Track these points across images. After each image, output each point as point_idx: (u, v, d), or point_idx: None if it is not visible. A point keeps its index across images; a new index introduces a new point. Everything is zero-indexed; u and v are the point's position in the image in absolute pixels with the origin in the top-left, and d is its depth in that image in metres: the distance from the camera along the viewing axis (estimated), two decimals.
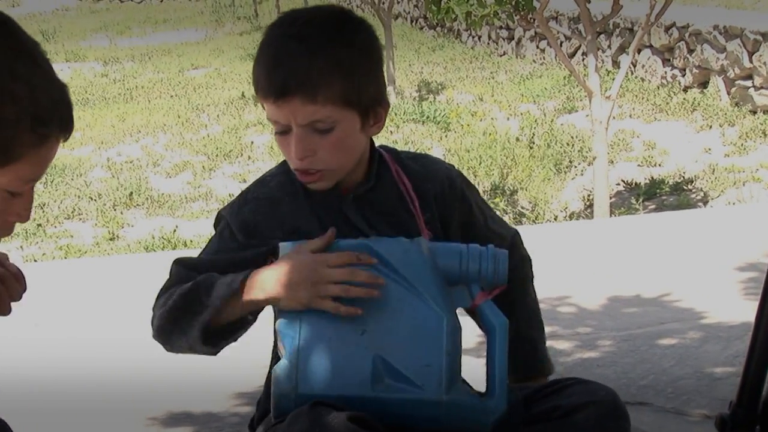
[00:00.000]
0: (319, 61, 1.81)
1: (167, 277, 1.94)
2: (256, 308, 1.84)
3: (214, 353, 1.89)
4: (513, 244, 2.15)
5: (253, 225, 1.93)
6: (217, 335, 1.84)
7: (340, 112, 1.83)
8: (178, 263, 1.96)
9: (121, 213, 9.21)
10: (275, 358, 1.92)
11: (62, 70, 17.31)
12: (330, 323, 1.83)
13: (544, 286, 4.16)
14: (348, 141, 1.87)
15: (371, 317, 1.83)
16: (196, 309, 1.83)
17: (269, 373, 1.92)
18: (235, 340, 1.88)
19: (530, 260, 2.24)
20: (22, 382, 3.37)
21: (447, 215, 2.02)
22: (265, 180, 2.00)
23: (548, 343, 3.41)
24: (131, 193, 9.63)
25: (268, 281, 1.79)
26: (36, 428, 2.97)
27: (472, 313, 1.91)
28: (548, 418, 1.88)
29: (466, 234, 2.02)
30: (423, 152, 2.16)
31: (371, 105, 1.88)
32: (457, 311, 1.88)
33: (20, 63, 1.47)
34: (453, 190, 2.04)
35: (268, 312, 1.87)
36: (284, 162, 1.95)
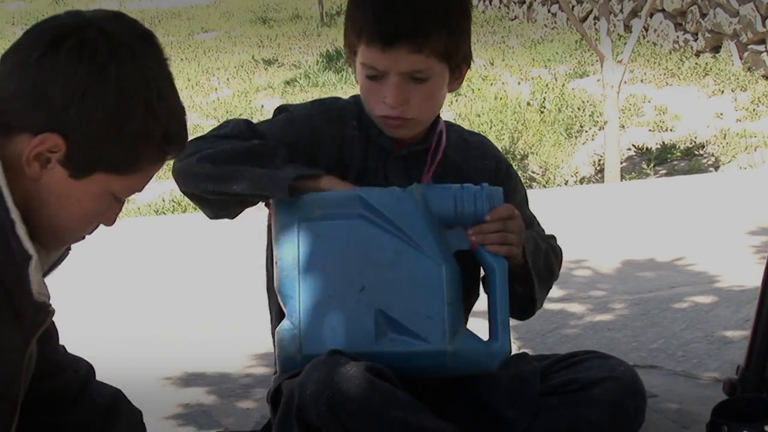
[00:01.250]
0: (431, 13, 1.84)
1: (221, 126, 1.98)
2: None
3: (234, 215, 1.96)
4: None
5: (310, 135, 1.95)
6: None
7: (438, 65, 1.88)
8: (243, 120, 1.98)
9: None
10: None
11: None
12: (329, 282, 1.83)
13: None
14: (438, 93, 1.92)
15: (370, 272, 1.83)
16: (263, 163, 1.86)
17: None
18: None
19: (560, 253, 2.16)
20: None
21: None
22: (338, 103, 2.01)
23: (560, 306, 3.44)
24: None
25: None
26: None
27: (471, 254, 1.90)
28: (565, 391, 1.88)
29: None
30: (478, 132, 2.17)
31: (461, 61, 1.93)
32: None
33: (165, 83, 1.59)
34: (502, 171, 2.06)
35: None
36: (357, 98, 1.96)
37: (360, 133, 1.96)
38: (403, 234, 1.84)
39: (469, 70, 2.00)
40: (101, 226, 1.69)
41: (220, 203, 1.93)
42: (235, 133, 1.93)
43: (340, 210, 1.87)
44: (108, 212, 1.65)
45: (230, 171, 1.86)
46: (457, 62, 1.92)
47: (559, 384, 1.89)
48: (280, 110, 2.02)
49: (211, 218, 2.00)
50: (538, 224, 2.13)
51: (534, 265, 1.96)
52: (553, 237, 2.15)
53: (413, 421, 1.73)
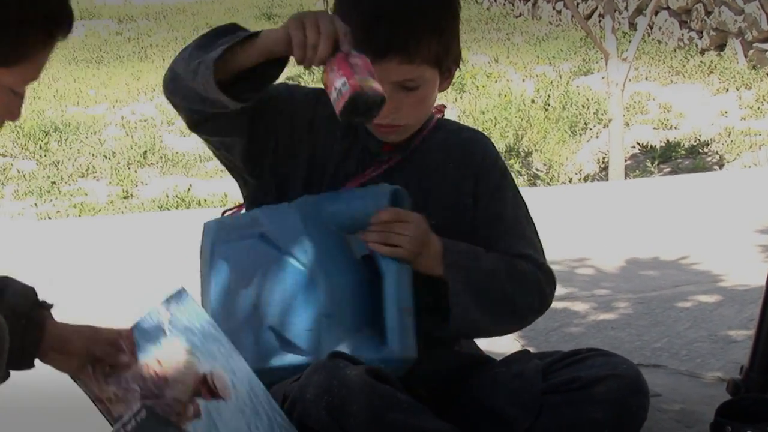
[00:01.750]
0: (421, 21, 1.82)
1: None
2: (268, 55, 1.75)
3: (238, 104, 1.78)
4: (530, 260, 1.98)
5: (309, 118, 1.94)
6: (235, 85, 1.77)
7: (429, 71, 1.86)
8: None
9: (135, 171, 9.21)
10: None
11: (76, 28, 17.13)
12: (229, 303, 1.88)
13: (561, 248, 4.17)
14: (429, 98, 1.90)
15: (262, 291, 1.86)
16: (210, 46, 1.78)
17: None
18: (259, 92, 1.80)
19: (542, 295, 1.99)
20: None
21: (483, 189, 1.99)
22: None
23: (563, 304, 3.44)
24: (145, 151, 9.63)
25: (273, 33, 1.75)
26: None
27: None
28: (567, 389, 1.86)
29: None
30: (473, 127, 2.13)
31: (451, 63, 1.92)
32: None
33: None
34: (485, 168, 2.00)
35: None
36: None
37: (348, 129, 1.94)
38: (287, 250, 1.84)
39: (458, 69, 1.99)
40: (8, 122, 1.59)
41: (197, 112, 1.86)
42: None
43: (244, 231, 1.90)
44: (9, 107, 1.56)
45: (198, 63, 1.77)
46: (448, 65, 1.91)
47: (561, 382, 1.88)
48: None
49: (195, 132, 1.95)
50: (532, 231, 2.03)
51: (466, 282, 1.88)
52: (536, 260, 1.99)
53: (414, 423, 1.73)
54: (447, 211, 1.95)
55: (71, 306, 3.78)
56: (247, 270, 1.88)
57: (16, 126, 10.33)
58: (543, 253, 2.02)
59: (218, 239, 1.93)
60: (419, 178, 1.95)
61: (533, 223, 2.04)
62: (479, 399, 1.91)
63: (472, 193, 1.96)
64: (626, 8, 12.93)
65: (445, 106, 2.06)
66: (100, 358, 1.68)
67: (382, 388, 1.72)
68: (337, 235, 1.85)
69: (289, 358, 1.84)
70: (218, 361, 1.61)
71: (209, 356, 1.61)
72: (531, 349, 2.44)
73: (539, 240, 2.03)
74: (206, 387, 1.60)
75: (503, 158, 2.11)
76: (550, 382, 1.88)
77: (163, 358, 1.63)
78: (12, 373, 2.96)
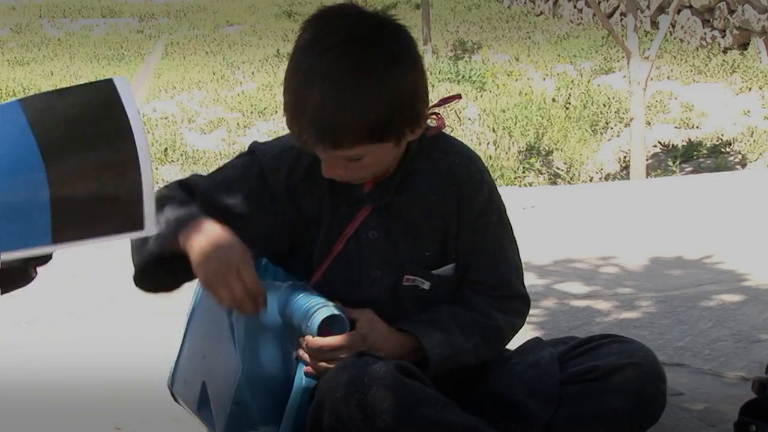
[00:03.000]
0: (347, 114, 1.71)
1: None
2: (177, 250, 1.78)
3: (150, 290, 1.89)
4: (496, 296, 1.96)
5: (276, 173, 1.90)
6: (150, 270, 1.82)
7: (368, 147, 1.76)
8: (179, 183, 1.93)
9: (156, 168, 9.24)
10: None
11: (98, 26, 17.36)
12: (195, 338, 1.95)
13: (583, 247, 4.16)
14: (381, 161, 1.81)
15: (211, 344, 1.89)
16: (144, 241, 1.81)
17: None
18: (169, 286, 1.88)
19: (515, 330, 2.00)
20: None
21: (465, 216, 1.94)
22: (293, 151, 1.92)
23: (586, 302, 3.42)
24: (166, 149, 9.67)
25: (198, 240, 1.76)
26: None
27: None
28: (585, 380, 1.86)
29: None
30: (459, 143, 2.02)
31: (406, 127, 1.78)
32: None
33: None
34: (466, 198, 1.93)
35: None
36: None
37: (323, 182, 1.88)
38: (232, 324, 1.85)
39: (429, 116, 1.86)
40: None
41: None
42: (171, 194, 1.88)
43: None
44: None
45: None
46: (399, 132, 1.78)
47: (579, 372, 1.87)
48: (250, 150, 1.97)
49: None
50: (514, 252, 2.00)
51: (443, 364, 1.88)
52: (512, 287, 1.98)
53: (444, 418, 1.72)
54: (435, 241, 1.92)
55: (88, 302, 3.80)
56: (212, 315, 1.90)
57: None
58: (520, 273, 2.01)
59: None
60: (408, 211, 1.91)
61: (515, 241, 2.01)
62: (497, 392, 1.91)
63: (456, 221, 1.93)
64: (648, 7, 12.88)
65: (444, 123, 1.96)
66: None
67: (412, 383, 1.72)
68: (284, 329, 1.85)
69: (204, 416, 1.90)
70: None
71: None
72: None
73: (519, 259, 2.01)
74: None
75: (491, 177, 2.01)
76: (568, 371, 1.88)
77: None
78: (12, 373, 2.99)
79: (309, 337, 1.80)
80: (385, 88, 1.73)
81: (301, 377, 1.82)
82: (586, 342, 1.96)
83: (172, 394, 2.02)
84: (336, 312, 1.81)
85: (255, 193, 1.89)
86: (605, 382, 1.84)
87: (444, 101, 1.97)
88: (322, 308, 1.80)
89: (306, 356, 1.82)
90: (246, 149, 1.99)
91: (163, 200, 1.81)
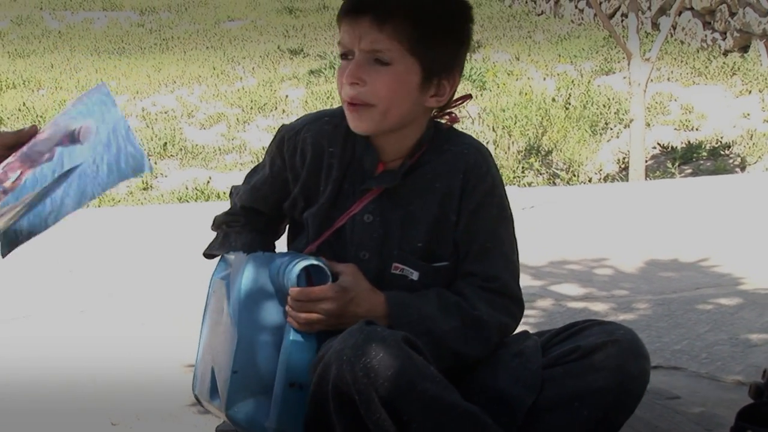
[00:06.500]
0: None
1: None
2: None
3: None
4: (488, 289, 1.94)
5: (302, 153, 1.95)
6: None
7: (401, 53, 1.84)
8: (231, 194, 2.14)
9: (155, 163, 9.23)
10: None
11: (98, 19, 17.33)
12: (205, 332, 2.00)
13: (580, 248, 4.15)
14: (401, 87, 1.86)
15: (214, 334, 1.94)
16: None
17: None
18: None
19: (502, 330, 1.95)
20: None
21: (465, 206, 1.95)
22: (323, 118, 1.98)
23: (582, 304, 3.42)
24: (165, 143, 9.65)
25: None
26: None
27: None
28: (567, 361, 1.86)
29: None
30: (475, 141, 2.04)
31: (438, 71, 1.87)
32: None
33: None
34: (468, 187, 1.95)
35: None
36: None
37: (344, 151, 1.94)
38: (229, 297, 1.89)
39: (454, 92, 1.92)
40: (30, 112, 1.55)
41: None
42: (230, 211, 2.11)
43: (226, 270, 1.99)
44: None
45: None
46: (430, 66, 1.86)
47: (560, 354, 1.87)
48: (278, 132, 2.03)
49: None
50: (511, 249, 1.98)
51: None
52: (505, 284, 1.95)
53: (445, 397, 1.73)
54: (430, 232, 1.93)
55: (90, 295, 3.80)
56: (216, 306, 1.96)
57: (37, 116, 10.37)
58: (516, 273, 1.99)
59: (218, 272, 2.01)
60: (408, 200, 1.93)
61: (514, 241, 2.00)
62: (482, 382, 1.91)
63: (456, 210, 1.94)
64: (649, 8, 12.88)
65: (458, 118, 2.00)
66: None
67: (417, 357, 1.73)
68: (274, 294, 1.88)
69: (216, 403, 1.90)
70: (93, 116, 1.61)
71: (88, 115, 1.61)
72: None
73: (516, 259, 1.99)
74: (69, 137, 1.60)
75: (499, 172, 2.01)
76: (550, 355, 1.88)
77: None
78: (11, 373, 2.98)
79: (293, 290, 1.83)
80: (457, 20, 1.90)
81: (289, 331, 1.84)
82: (569, 327, 1.95)
83: (197, 398, 2.02)
84: (315, 262, 1.84)
85: (283, 191, 2.00)
86: (586, 361, 1.84)
87: (456, 101, 1.98)
88: (302, 260, 1.84)
89: (288, 309, 1.85)
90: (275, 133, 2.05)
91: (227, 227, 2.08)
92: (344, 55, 1.88)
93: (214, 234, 2.11)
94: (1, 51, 14.66)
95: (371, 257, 1.92)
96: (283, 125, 2.02)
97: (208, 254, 2.09)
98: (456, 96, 1.96)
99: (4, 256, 1.61)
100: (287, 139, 1.97)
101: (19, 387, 2.87)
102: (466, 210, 1.93)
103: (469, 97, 2.04)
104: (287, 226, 2.08)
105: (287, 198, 1.99)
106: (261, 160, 2.09)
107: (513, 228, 2.00)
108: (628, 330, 1.89)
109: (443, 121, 1.98)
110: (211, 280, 2.01)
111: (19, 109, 10.76)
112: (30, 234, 1.57)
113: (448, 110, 1.96)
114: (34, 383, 2.89)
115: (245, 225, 2.06)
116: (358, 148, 1.94)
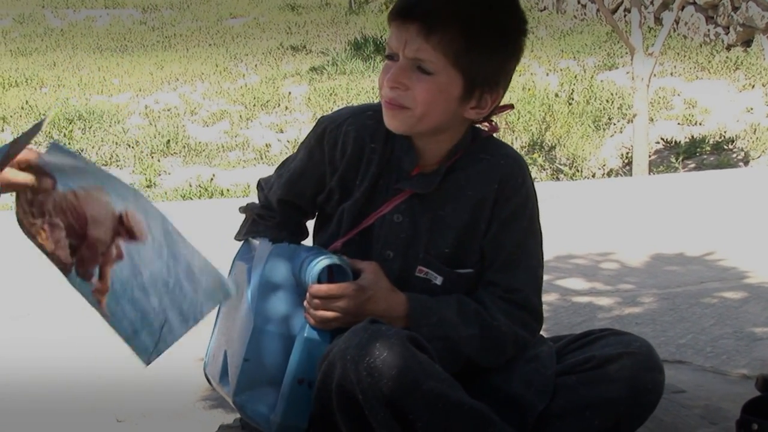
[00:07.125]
0: (451, 7, 1.81)
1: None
2: None
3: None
4: (512, 301, 1.94)
5: (342, 146, 1.95)
6: None
7: (445, 65, 1.82)
8: (258, 187, 2.12)
9: (159, 161, 9.23)
10: None
11: (101, 17, 17.34)
12: (222, 314, 2.00)
13: (584, 242, 4.15)
14: (440, 96, 1.84)
15: (230, 317, 1.93)
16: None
17: None
18: None
19: (518, 343, 1.94)
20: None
21: (497, 215, 1.94)
22: (366, 112, 1.98)
23: (588, 299, 3.42)
24: (168, 140, 9.66)
25: None
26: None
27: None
28: (581, 370, 1.86)
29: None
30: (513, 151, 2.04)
31: (480, 84, 1.85)
32: None
33: None
34: (502, 197, 1.94)
35: None
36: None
37: (384, 147, 1.94)
38: (250, 286, 1.89)
39: (499, 107, 1.91)
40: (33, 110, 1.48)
41: None
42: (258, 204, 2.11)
43: (246, 255, 1.99)
44: None
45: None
46: (473, 79, 1.84)
47: (575, 363, 1.87)
48: (318, 124, 2.02)
49: None
50: (537, 263, 1.97)
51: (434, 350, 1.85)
52: (525, 297, 1.94)
53: (451, 395, 1.73)
54: (458, 239, 1.92)
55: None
56: (237, 290, 1.94)
57: (40, 114, 10.38)
58: (539, 287, 1.98)
59: (240, 255, 2.01)
60: (440, 204, 1.92)
61: (541, 255, 2.00)
62: (495, 385, 1.91)
63: (488, 219, 1.94)
64: (651, 3, 12.86)
65: (497, 128, 1.99)
66: (18, 183, 1.56)
67: (422, 356, 1.72)
68: (294, 287, 1.88)
69: (225, 387, 1.90)
70: (129, 202, 1.53)
71: (120, 196, 1.53)
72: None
73: (541, 275, 1.99)
74: (124, 228, 1.53)
75: (531, 177, 2.01)
76: (565, 363, 1.88)
77: (78, 191, 1.56)
78: (10, 373, 2.98)
79: (312, 287, 1.83)
80: (509, 33, 1.87)
81: (304, 327, 1.84)
82: (584, 336, 1.96)
83: (206, 376, 2.02)
84: (337, 261, 1.84)
85: (319, 184, 1.99)
86: (600, 371, 1.84)
87: (498, 109, 1.97)
88: (324, 258, 1.84)
89: (306, 304, 1.85)
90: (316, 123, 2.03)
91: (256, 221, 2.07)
92: (390, 56, 1.87)
93: (219, 228, 2.11)
94: (3, 49, 14.68)
95: (395, 257, 1.91)
96: (324, 116, 2.01)
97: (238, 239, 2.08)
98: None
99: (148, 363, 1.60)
100: (329, 131, 1.95)
101: (24, 387, 2.87)
102: (497, 219, 1.92)
103: (511, 107, 2.02)
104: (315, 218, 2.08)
105: (322, 191, 1.97)
106: (272, 155, 2.08)
107: (541, 242, 1.99)
108: (644, 342, 1.88)
109: (484, 127, 1.96)
110: (233, 261, 2.00)
111: (22, 108, 10.77)
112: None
113: (489, 118, 1.94)
114: (38, 383, 2.89)
115: (279, 223, 2.05)
116: (399, 148, 1.93)
